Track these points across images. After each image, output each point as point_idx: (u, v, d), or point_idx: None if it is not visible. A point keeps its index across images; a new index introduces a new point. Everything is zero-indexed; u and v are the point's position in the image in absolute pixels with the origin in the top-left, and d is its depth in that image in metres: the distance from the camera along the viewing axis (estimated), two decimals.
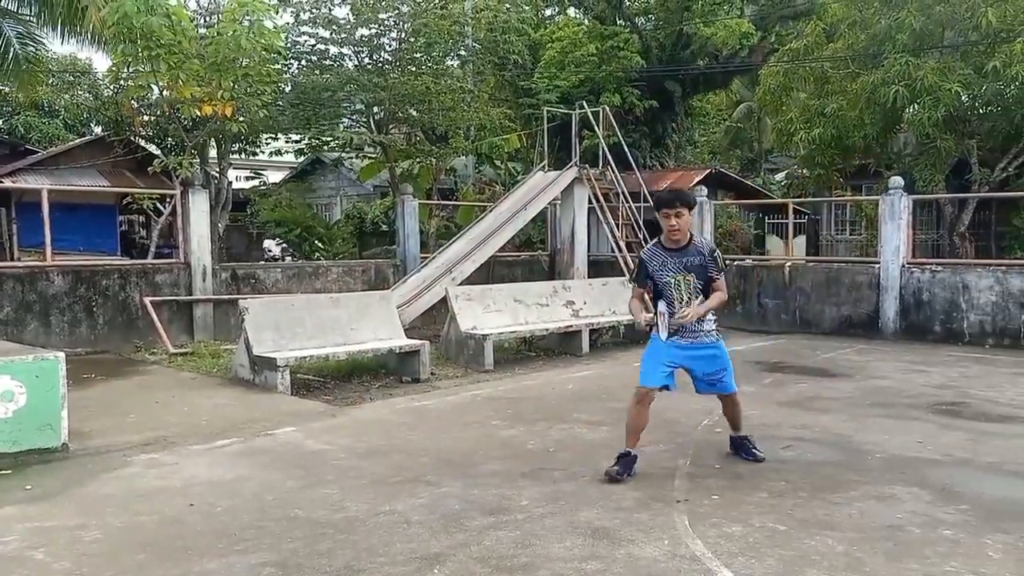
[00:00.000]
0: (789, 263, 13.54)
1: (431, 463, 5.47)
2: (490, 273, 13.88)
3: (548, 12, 24.32)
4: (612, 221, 14.39)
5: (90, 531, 4.25)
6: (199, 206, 11.53)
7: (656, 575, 3.65)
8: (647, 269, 5.27)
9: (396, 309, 9.84)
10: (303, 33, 15.69)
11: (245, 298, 9.89)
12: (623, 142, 15.20)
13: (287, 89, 15.75)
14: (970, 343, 11.23)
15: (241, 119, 12.11)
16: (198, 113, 11.38)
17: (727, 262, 14.13)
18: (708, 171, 19.11)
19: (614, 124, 15.37)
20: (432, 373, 9.00)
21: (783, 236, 18.48)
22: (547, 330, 10.51)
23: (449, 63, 17.44)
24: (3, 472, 5.28)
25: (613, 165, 14.65)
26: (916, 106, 13.69)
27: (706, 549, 3.92)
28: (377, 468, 5.37)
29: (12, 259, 14.79)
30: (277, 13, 14.05)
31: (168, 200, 13.88)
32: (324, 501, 4.69)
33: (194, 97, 11.10)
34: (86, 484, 5.08)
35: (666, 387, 5.26)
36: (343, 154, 19.51)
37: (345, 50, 16.11)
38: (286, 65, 15.44)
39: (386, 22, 15.59)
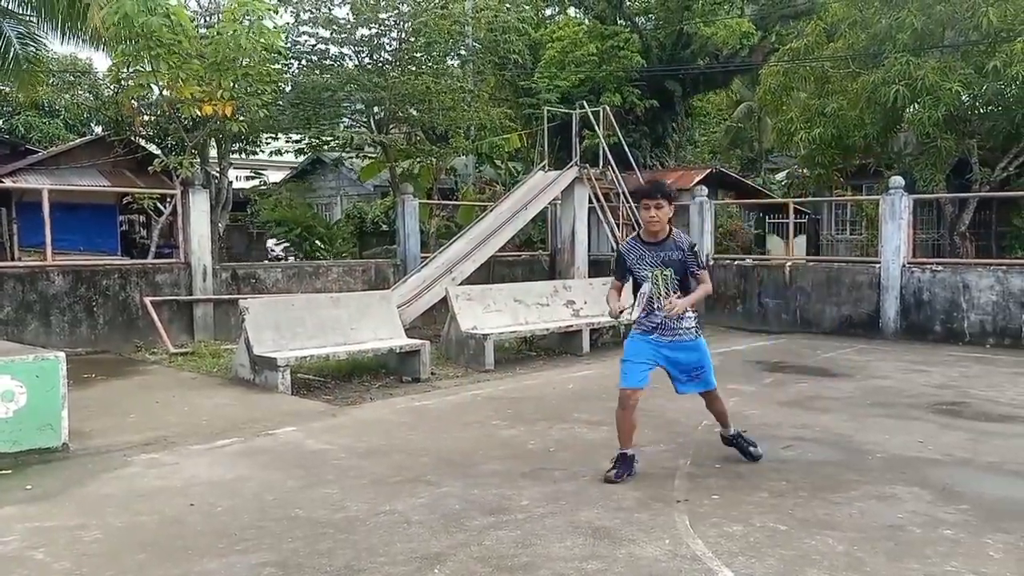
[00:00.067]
0: (790, 263, 13.54)
1: (431, 463, 5.47)
2: (490, 273, 13.88)
3: (548, 12, 24.31)
4: (612, 221, 14.39)
5: (90, 531, 4.25)
6: (199, 206, 11.53)
7: (657, 575, 3.65)
8: (625, 262, 5.21)
9: (396, 309, 9.83)
10: (303, 33, 15.69)
11: (245, 298, 9.90)
12: (623, 142, 15.20)
13: (287, 89, 15.74)
14: (971, 343, 11.23)
15: (241, 119, 12.10)
16: (198, 113, 11.38)
17: (727, 262, 14.25)
18: (708, 171, 19.11)
19: (614, 124, 15.37)
20: (432, 373, 9.00)
21: (784, 236, 18.48)
22: (547, 330, 10.51)
23: (449, 63, 17.43)
24: (3, 472, 5.28)
25: (613, 165, 14.65)
26: (916, 106, 13.69)
27: (707, 549, 3.92)
28: (377, 468, 5.37)
29: (12, 259, 14.79)
30: (277, 13, 14.05)
31: (168, 200, 13.88)
32: (324, 501, 4.69)
33: (194, 97, 11.10)
34: (86, 484, 5.08)
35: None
36: (343, 154, 19.50)
37: (345, 50, 16.11)
38: (286, 65, 15.44)
39: (386, 22, 15.58)
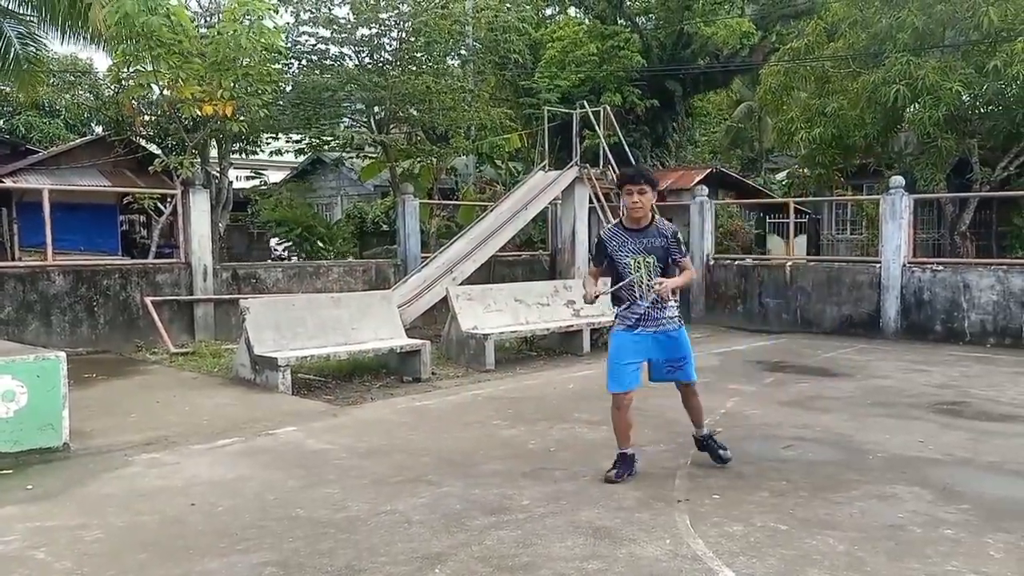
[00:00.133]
0: (790, 262, 13.54)
1: (432, 463, 5.47)
2: (491, 273, 13.88)
3: (548, 11, 24.29)
4: (613, 221, 14.37)
5: (91, 531, 4.26)
6: (200, 206, 11.53)
7: (657, 575, 3.65)
8: (606, 249, 5.12)
9: (397, 309, 9.84)
10: (303, 33, 15.69)
11: (246, 298, 9.90)
12: (624, 142, 15.19)
13: (288, 89, 15.74)
14: (971, 342, 11.23)
15: (242, 119, 12.10)
16: (199, 113, 11.38)
17: (728, 262, 14.25)
18: (709, 170, 19.10)
19: (615, 124, 15.36)
20: (433, 373, 9.00)
21: (784, 236, 18.47)
22: (548, 330, 10.51)
23: (450, 63, 17.42)
24: (4, 472, 5.28)
25: (614, 165, 14.63)
26: (917, 105, 13.68)
27: (707, 549, 3.92)
28: (378, 468, 5.37)
29: (13, 259, 14.78)
30: (277, 13, 14.05)
31: (169, 200, 13.87)
32: (325, 501, 4.69)
33: (195, 97, 11.11)
34: (87, 484, 5.08)
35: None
36: (344, 154, 19.49)
37: (345, 50, 16.10)
38: (286, 65, 15.43)
39: (386, 22, 15.57)
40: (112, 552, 3.97)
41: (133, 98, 12.82)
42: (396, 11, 15.52)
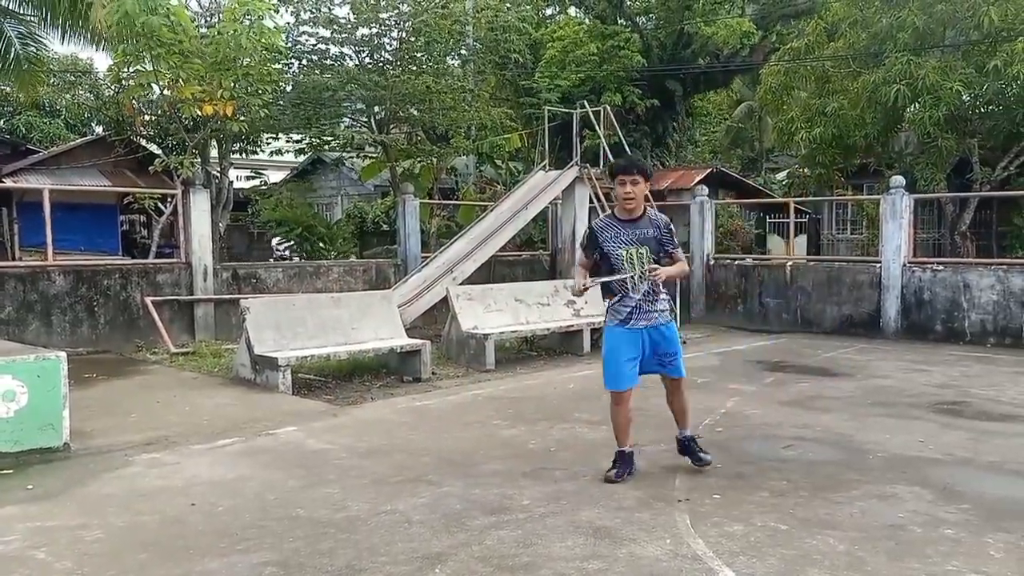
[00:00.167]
0: (790, 262, 13.54)
1: (432, 463, 5.47)
2: (491, 272, 13.88)
3: (549, 11, 24.28)
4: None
5: (92, 531, 4.26)
6: (200, 206, 11.53)
7: (658, 574, 3.65)
8: (597, 240, 5.04)
9: (397, 309, 9.84)
10: (303, 33, 15.69)
11: (246, 298, 9.90)
12: (624, 141, 15.18)
13: (288, 89, 15.74)
14: (971, 342, 11.23)
15: (242, 118, 12.10)
16: (199, 112, 11.38)
17: (728, 261, 14.24)
18: (709, 170, 19.11)
19: (615, 123, 15.36)
20: (433, 373, 9.00)
21: (784, 235, 18.47)
22: (548, 329, 10.51)
23: (450, 62, 17.42)
24: (5, 472, 5.28)
25: None
26: (917, 105, 13.68)
27: (707, 548, 3.92)
28: (378, 468, 5.38)
29: (13, 259, 14.79)
30: (277, 12, 14.05)
31: (169, 200, 13.88)
32: (326, 500, 4.69)
33: (195, 97, 11.11)
34: (88, 484, 5.08)
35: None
36: (344, 154, 19.49)
37: (346, 49, 16.10)
38: (287, 65, 15.44)
39: (387, 21, 15.58)
40: (112, 552, 3.98)
41: (133, 98, 12.82)
42: (396, 11, 15.52)
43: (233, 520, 4.39)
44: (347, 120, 18.06)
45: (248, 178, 20.93)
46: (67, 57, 22.19)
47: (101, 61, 42.62)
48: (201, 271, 11.40)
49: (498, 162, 20.28)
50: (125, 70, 11.77)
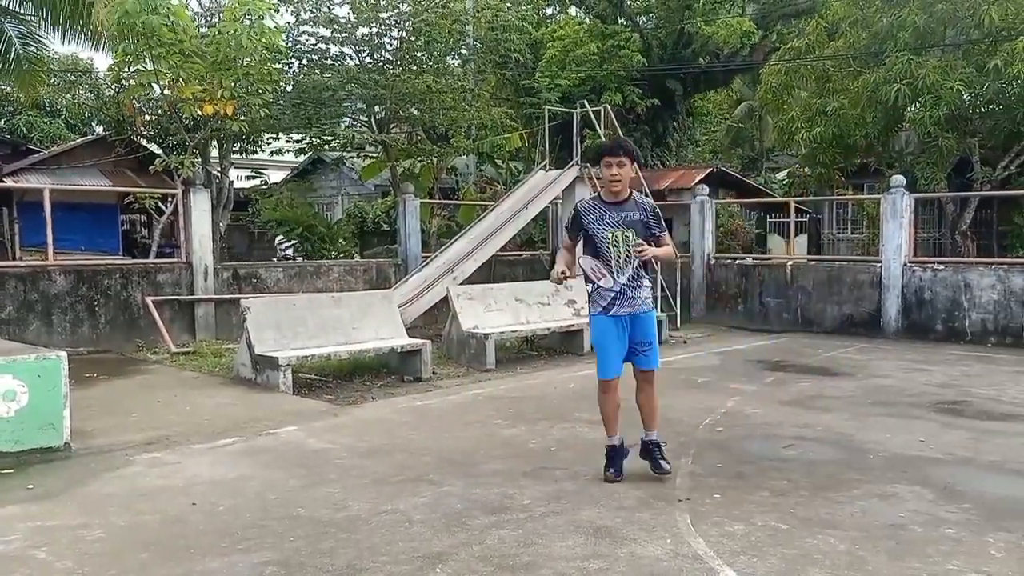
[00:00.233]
0: (791, 262, 13.54)
1: (433, 462, 5.47)
2: (491, 272, 13.88)
3: (549, 11, 24.29)
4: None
5: (92, 530, 4.26)
6: (201, 205, 11.53)
7: (658, 574, 3.65)
8: (582, 222, 4.96)
9: (398, 308, 9.84)
10: (304, 32, 15.70)
11: (247, 297, 9.90)
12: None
13: (288, 88, 15.75)
14: (972, 342, 11.23)
15: (242, 118, 12.11)
16: (199, 112, 11.39)
17: (728, 261, 14.24)
18: (709, 170, 19.09)
19: (615, 123, 15.35)
20: (434, 372, 9.00)
21: (785, 235, 18.48)
22: (549, 329, 10.51)
23: (450, 62, 17.43)
24: (5, 471, 5.28)
25: None
26: (918, 104, 13.68)
27: (708, 548, 3.92)
28: (379, 467, 5.38)
29: (14, 259, 14.79)
30: (278, 12, 14.05)
31: (170, 199, 13.88)
32: (326, 500, 4.69)
33: (195, 96, 11.11)
34: (88, 483, 5.08)
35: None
36: (344, 153, 19.49)
37: (346, 49, 16.11)
38: (287, 64, 15.44)
39: (387, 21, 15.58)
40: (113, 552, 3.98)
41: (134, 98, 12.82)
42: (396, 10, 15.53)
43: (234, 520, 4.39)
44: (347, 120, 18.07)
45: (248, 178, 20.94)
46: (67, 57, 22.19)
47: (101, 61, 42.63)
48: (202, 271, 11.40)
49: (498, 162, 20.28)
50: (125, 70, 11.78)
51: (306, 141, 17.92)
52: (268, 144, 18.17)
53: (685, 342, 11.65)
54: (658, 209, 5.04)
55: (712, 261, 14.27)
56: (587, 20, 22.21)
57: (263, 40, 11.15)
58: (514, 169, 20.62)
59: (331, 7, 15.71)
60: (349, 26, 15.56)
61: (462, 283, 11.33)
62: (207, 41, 11.48)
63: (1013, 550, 3.91)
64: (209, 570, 3.75)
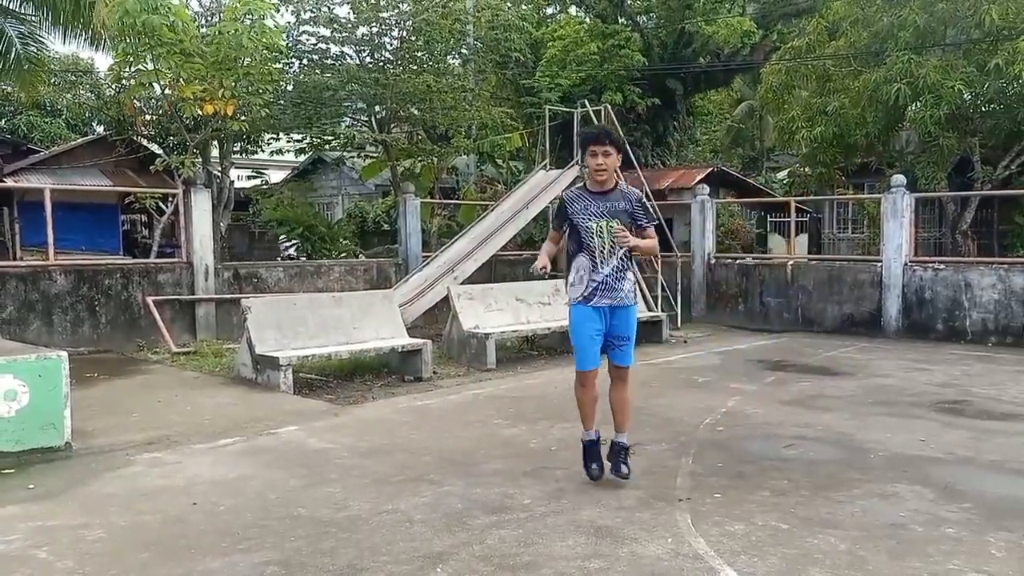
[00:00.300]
0: (791, 261, 13.54)
1: (433, 462, 5.47)
2: (492, 272, 13.89)
3: (549, 10, 24.30)
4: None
5: (93, 530, 4.26)
6: (201, 205, 11.53)
7: (659, 574, 3.65)
8: (567, 212, 4.88)
9: (398, 308, 9.84)
10: (304, 32, 15.71)
11: (247, 297, 9.90)
12: (625, 141, 15.17)
13: (288, 88, 15.76)
14: (973, 341, 11.22)
15: (243, 118, 12.12)
16: (200, 112, 11.40)
17: (729, 261, 14.25)
18: (710, 169, 19.07)
19: (616, 123, 15.34)
20: (434, 372, 9.00)
21: (785, 234, 18.47)
22: (549, 329, 10.51)
23: (451, 61, 17.43)
24: (6, 471, 5.29)
25: None
26: (918, 104, 13.68)
27: (709, 547, 3.92)
28: (380, 467, 5.38)
29: (14, 258, 14.80)
30: (278, 12, 14.06)
31: (170, 199, 13.89)
32: (327, 500, 4.70)
33: (196, 96, 11.12)
34: (89, 483, 5.09)
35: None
36: (344, 153, 19.51)
37: (346, 49, 16.12)
38: (287, 64, 15.45)
39: (387, 21, 15.59)
40: (114, 551, 3.98)
41: (134, 97, 12.84)
42: (397, 10, 15.53)
43: (235, 519, 4.39)
44: (348, 119, 18.09)
45: (249, 178, 20.96)
46: (68, 57, 22.20)
47: (102, 61, 42.63)
48: (202, 270, 11.40)
49: (499, 161, 20.29)
50: (126, 69, 11.79)
51: (306, 141, 17.93)
52: (269, 144, 18.18)
53: (686, 341, 11.66)
54: (645, 200, 4.95)
55: (713, 261, 14.27)
56: (587, 20, 22.22)
57: (264, 40, 11.16)
58: (514, 169, 20.63)
59: (331, 7, 15.73)
60: (349, 26, 15.57)
61: (463, 283, 11.33)
62: (207, 41, 11.49)
63: (1014, 550, 3.91)
64: (210, 570, 3.75)
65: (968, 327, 11.37)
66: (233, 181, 14.19)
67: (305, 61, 16.08)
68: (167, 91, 11.78)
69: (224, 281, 11.76)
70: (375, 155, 18.99)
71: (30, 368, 5.58)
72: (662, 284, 13.18)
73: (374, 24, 15.47)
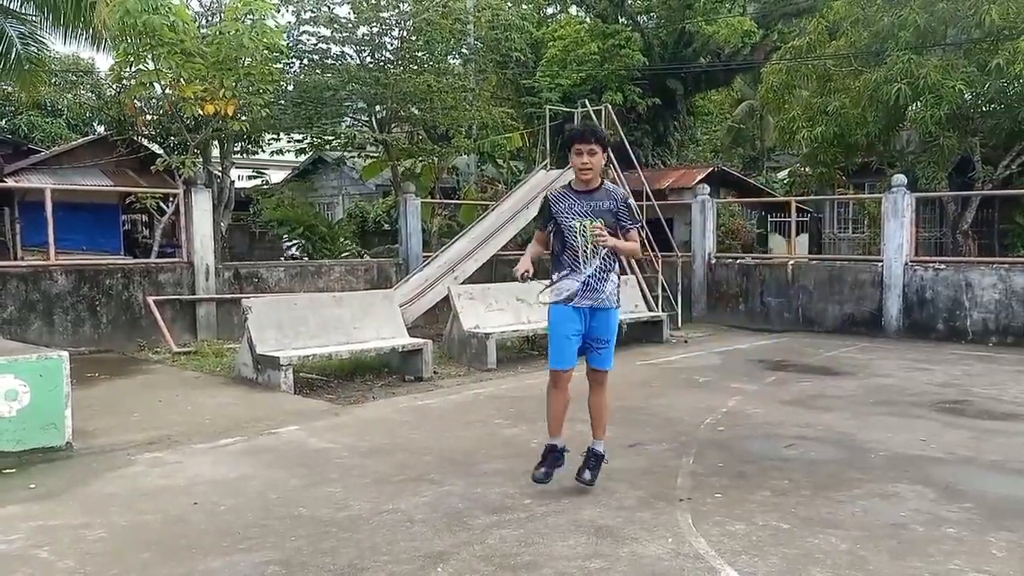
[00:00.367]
0: (792, 261, 13.54)
1: (434, 462, 5.47)
2: (492, 272, 13.87)
3: (550, 10, 24.31)
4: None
5: (94, 530, 4.26)
6: (202, 205, 11.54)
7: (660, 573, 3.65)
8: (551, 211, 4.80)
9: (399, 308, 9.84)
10: (304, 32, 15.72)
11: (248, 297, 9.90)
12: (625, 140, 15.18)
13: (289, 88, 15.77)
14: (973, 341, 11.22)
15: (243, 118, 12.13)
16: (200, 112, 11.40)
17: (729, 261, 14.24)
18: (710, 169, 19.09)
19: (616, 122, 15.34)
20: (435, 372, 9.00)
21: (786, 234, 18.46)
22: None
23: (451, 61, 17.44)
24: (7, 471, 5.29)
25: (615, 163, 14.63)
26: (919, 104, 13.67)
27: (709, 547, 3.92)
28: (380, 467, 5.38)
29: (15, 258, 14.80)
30: (279, 12, 14.06)
31: (171, 199, 13.89)
32: (328, 500, 4.70)
33: (196, 96, 11.12)
34: (90, 483, 5.09)
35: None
36: (345, 153, 19.52)
37: (347, 49, 16.13)
38: (288, 64, 15.46)
39: (387, 20, 15.60)
40: (115, 551, 3.98)
41: (135, 97, 12.85)
42: (397, 10, 15.54)
43: (235, 519, 4.39)
44: (348, 119, 18.10)
45: (250, 178, 20.99)
46: (69, 57, 22.21)
47: (103, 61, 42.64)
48: (203, 270, 11.41)
49: (499, 161, 20.29)
50: (127, 69, 11.79)
51: (307, 141, 17.94)
52: (269, 144, 18.20)
53: (686, 341, 11.66)
54: (631, 200, 4.89)
55: (713, 260, 14.27)
56: (588, 19, 22.22)
57: (264, 40, 11.16)
58: (515, 169, 20.63)
59: (332, 7, 15.74)
60: (350, 26, 15.57)
61: (463, 283, 11.33)
62: (208, 41, 11.49)
63: (1015, 550, 3.91)
64: (211, 570, 3.75)
65: (969, 327, 11.37)
66: (234, 181, 14.20)
67: (306, 61, 16.09)
68: (168, 91, 11.78)
69: (225, 281, 11.77)
70: (376, 155, 19.00)
71: (31, 368, 5.58)
72: (663, 284, 13.18)
73: (374, 24, 15.47)
